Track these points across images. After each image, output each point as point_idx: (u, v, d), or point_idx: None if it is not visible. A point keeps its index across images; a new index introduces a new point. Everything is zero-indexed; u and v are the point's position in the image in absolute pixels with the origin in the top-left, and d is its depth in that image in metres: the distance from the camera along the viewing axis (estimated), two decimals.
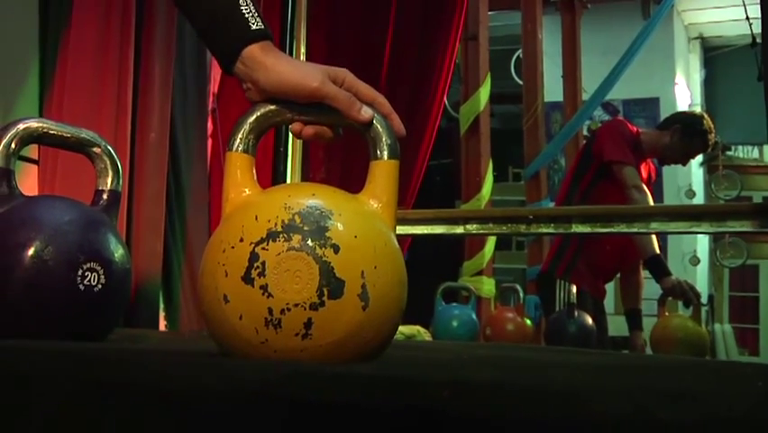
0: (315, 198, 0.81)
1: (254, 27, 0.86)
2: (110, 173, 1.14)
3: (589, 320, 2.85)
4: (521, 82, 5.72)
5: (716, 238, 6.95)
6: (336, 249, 0.78)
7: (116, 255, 1.06)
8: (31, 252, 1.00)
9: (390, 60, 3.11)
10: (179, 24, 2.88)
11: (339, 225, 0.79)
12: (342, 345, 0.78)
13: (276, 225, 0.78)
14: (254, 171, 0.87)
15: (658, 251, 2.94)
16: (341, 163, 2.92)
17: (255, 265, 0.77)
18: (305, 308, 0.76)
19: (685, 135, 3.11)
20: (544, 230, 1.94)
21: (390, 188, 0.86)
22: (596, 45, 6.17)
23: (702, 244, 7.26)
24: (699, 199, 6.83)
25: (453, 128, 5.25)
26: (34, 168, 2.46)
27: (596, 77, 5.15)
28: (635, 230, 1.85)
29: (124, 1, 2.62)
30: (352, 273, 0.77)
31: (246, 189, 0.85)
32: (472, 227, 1.97)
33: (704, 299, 5.16)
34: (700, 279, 7.10)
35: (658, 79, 7.29)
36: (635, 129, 3.19)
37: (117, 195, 1.14)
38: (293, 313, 0.76)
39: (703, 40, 8.06)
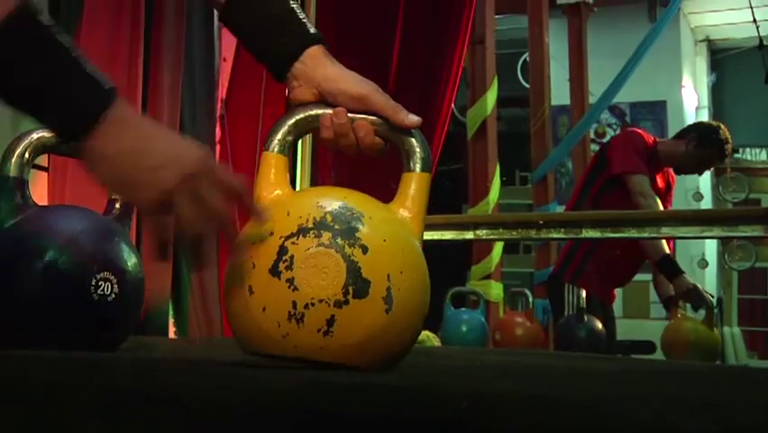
0: (347, 201, 0.82)
1: (312, 31, 0.89)
2: None
3: (599, 325, 2.84)
4: (528, 86, 5.71)
5: (724, 241, 6.92)
6: (365, 250, 0.78)
7: (129, 265, 1.07)
8: (44, 261, 1.00)
9: (398, 65, 3.12)
10: (188, 31, 2.89)
11: (369, 227, 0.80)
12: (363, 346, 0.78)
13: (307, 221, 0.79)
14: (287, 173, 0.88)
15: (668, 251, 2.94)
16: (349, 169, 2.92)
17: (284, 258, 0.77)
18: (329, 305, 0.77)
19: (701, 145, 3.10)
20: (555, 235, 1.94)
21: (421, 200, 0.87)
22: (602, 48, 6.15)
23: (710, 247, 7.23)
24: (706, 202, 6.80)
25: (460, 132, 5.24)
26: (44, 175, 2.47)
27: (603, 80, 5.14)
28: (645, 235, 1.85)
29: (133, 8, 2.63)
30: (379, 275, 0.78)
31: (278, 190, 0.86)
32: (482, 233, 1.97)
33: (713, 302, 5.14)
34: (709, 282, 7.08)
35: (665, 82, 7.26)
36: (651, 139, 3.18)
37: (130, 204, 1.14)
38: (317, 308, 0.77)
39: (710, 42, 8.04)
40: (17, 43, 0.69)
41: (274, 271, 0.77)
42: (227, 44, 3.37)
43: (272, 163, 0.86)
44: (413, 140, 0.87)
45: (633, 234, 1.82)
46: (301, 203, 0.82)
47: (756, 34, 4.79)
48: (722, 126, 3.18)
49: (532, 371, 1.06)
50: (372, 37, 3.20)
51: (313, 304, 0.76)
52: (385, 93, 0.88)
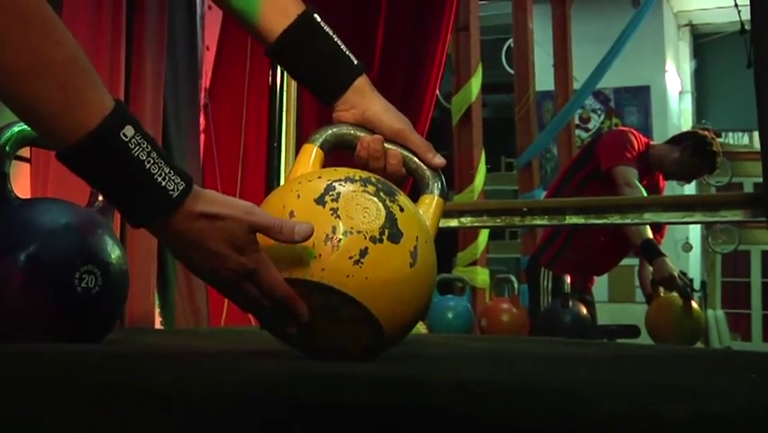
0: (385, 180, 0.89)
1: (356, 62, 1.01)
2: None
3: (584, 310, 2.86)
4: (512, 71, 5.71)
5: (708, 225, 6.97)
6: (402, 209, 0.85)
7: (113, 257, 1.06)
8: (27, 255, 1.00)
9: (383, 51, 3.10)
10: (170, 19, 2.87)
11: (403, 198, 0.87)
12: (384, 288, 0.82)
13: (354, 175, 0.86)
14: (321, 166, 0.93)
15: (650, 235, 2.96)
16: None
17: (330, 193, 0.83)
18: (365, 237, 0.81)
19: (695, 154, 3.13)
20: (539, 222, 1.95)
21: (434, 219, 0.94)
22: (586, 34, 6.16)
23: (695, 230, 7.28)
24: (690, 187, 6.83)
25: (445, 119, 5.24)
26: (26, 166, 2.45)
27: (587, 66, 5.15)
28: (628, 221, 1.86)
29: None
30: (410, 233, 0.83)
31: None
32: (467, 220, 1.97)
33: (697, 285, 5.18)
34: (693, 265, 7.13)
35: (648, 67, 7.29)
36: (644, 141, 3.20)
37: None
38: (354, 237, 0.81)
39: (692, 27, 8.06)
40: (94, 158, 0.76)
41: (320, 201, 0.83)
42: (210, 32, 3.35)
43: (313, 154, 0.93)
44: (437, 174, 0.96)
45: (616, 219, 1.83)
46: (346, 169, 0.88)
47: (738, 19, 4.82)
48: (716, 139, 3.22)
49: (517, 358, 1.06)
50: (356, 23, 3.18)
51: (351, 233, 0.81)
52: (417, 133, 0.99)
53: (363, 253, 0.80)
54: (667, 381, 0.75)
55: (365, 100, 0.99)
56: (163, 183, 0.78)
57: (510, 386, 0.68)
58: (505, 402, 0.61)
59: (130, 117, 0.77)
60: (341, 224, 0.81)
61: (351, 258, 0.80)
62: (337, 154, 0.98)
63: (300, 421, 0.64)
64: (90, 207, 1.13)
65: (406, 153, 0.96)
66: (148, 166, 0.77)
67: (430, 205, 0.94)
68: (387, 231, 0.82)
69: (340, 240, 0.81)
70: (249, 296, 0.83)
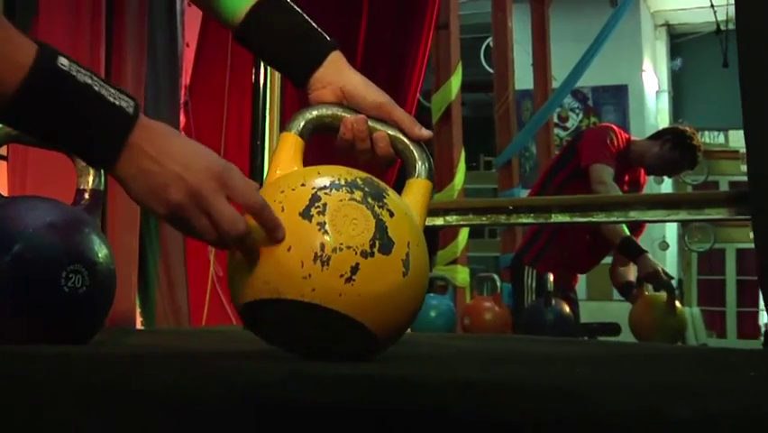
0: (371, 178, 0.84)
1: (329, 38, 0.97)
2: (91, 172, 1.12)
3: (566, 308, 2.87)
4: (491, 70, 5.72)
5: (684, 224, 7.04)
6: (391, 214, 0.81)
7: (100, 256, 1.05)
8: (13, 254, 0.98)
9: (365, 51, 3.09)
10: (150, 16, 2.84)
11: (392, 199, 0.83)
12: (378, 301, 0.79)
13: (339, 179, 0.81)
14: (302, 157, 0.89)
15: (627, 233, 2.98)
16: (317, 160, 2.88)
17: (316, 205, 0.79)
18: (356, 253, 0.77)
19: (676, 148, 3.15)
20: (524, 220, 1.95)
21: (423, 206, 0.90)
22: (565, 33, 6.19)
23: (671, 229, 7.34)
24: (666, 185, 6.89)
25: (425, 118, 5.24)
26: (2, 164, 2.41)
27: (565, 65, 5.17)
28: (613, 219, 1.86)
29: None
30: (401, 240, 0.80)
31: (295, 167, 0.87)
32: (452, 219, 1.97)
33: (674, 283, 5.22)
34: (669, 263, 7.18)
35: (626, 67, 7.33)
36: (625, 136, 3.22)
37: (99, 194, 1.12)
38: (344, 254, 0.77)
39: (669, 27, 8.12)
40: (41, 100, 0.72)
41: (305, 215, 0.78)
42: (190, 29, 3.32)
43: (292, 142, 0.89)
44: (417, 153, 0.92)
45: (602, 218, 1.83)
46: (329, 167, 0.84)
47: (714, 19, 4.84)
48: (696, 134, 3.24)
49: (510, 357, 1.06)
50: (337, 23, 3.17)
51: (341, 249, 0.77)
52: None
53: (354, 269, 0.77)
54: (667, 379, 0.75)
55: (342, 75, 0.95)
56: (117, 102, 0.75)
57: (512, 385, 0.67)
58: (509, 402, 0.61)
59: (59, 51, 0.75)
60: (329, 239, 0.77)
61: (342, 276, 0.77)
62: (323, 138, 0.94)
63: (299, 422, 0.63)
64: (76, 205, 1.11)
65: (392, 133, 0.92)
66: (97, 89, 0.74)
67: (418, 190, 0.91)
68: (377, 243, 0.78)
69: (329, 257, 0.77)
70: (209, 215, 0.77)
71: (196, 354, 0.96)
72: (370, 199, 0.80)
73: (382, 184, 0.85)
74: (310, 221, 0.78)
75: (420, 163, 0.92)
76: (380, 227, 0.79)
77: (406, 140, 0.92)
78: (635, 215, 1.83)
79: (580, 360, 0.98)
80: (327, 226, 0.78)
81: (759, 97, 1.53)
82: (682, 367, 0.94)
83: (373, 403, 0.63)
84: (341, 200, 0.79)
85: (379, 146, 0.92)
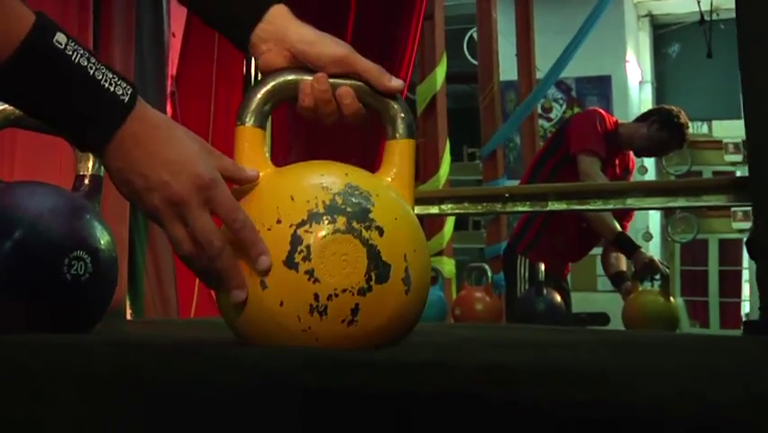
0: (350, 178, 0.77)
1: None
2: (91, 157, 1.09)
3: (558, 298, 2.87)
4: (474, 62, 5.71)
5: (667, 214, 7.07)
6: (381, 232, 0.74)
7: (103, 243, 1.02)
8: (14, 240, 0.95)
9: (353, 45, 3.07)
10: (138, 7, 2.81)
11: (379, 207, 0.76)
12: (385, 329, 0.76)
13: (317, 205, 0.74)
14: (265, 148, 0.82)
15: (619, 228, 2.99)
16: (306, 149, 2.87)
17: (299, 249, 0.73)
18: (353, 294, 0.73)
19: (663, 127, 3.16)
20: (520, 208, 1.94)
21: (409, 168, 0.84)
22: (549, 24, 6.18)
23: (654, 220, 7.38)
24: (650, 175, 6.92)
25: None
26: None
27: (550, 56, 5.16)
28: (611, 206, 1.85)
29: None
30: (397, 257, 0.75)
31: (258, 167, 0.80)
32: (447, 207, 1.96)
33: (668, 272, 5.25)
34: (653, 253, 7.20)
35: (609, 57, 7.35)
36: (613, 120, 3.22)
37: (99, 180, 1.09)
38: (341, 299, 0.73)
39: (652, 17, 8.14)
40: (31, 75, 0.68)
41: (290, 263, 0.73)
42: (176, 19, 3.28)
43: (248, 138, 0.80)
44: (396, 105, 0.84)
45: (599, 205, 1.83)
46: (302, 185, 0.77)
47: (698, 9, 4.86)
48: (682, 112, 3.24)
49: (517, 343, 1.04)
50: (325, 16, 3.15)
51: (336, 295, 0.73)
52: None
53: (355, 311, 0.73)
54: (696, 364, 0.74)
55: (288, 31, 0.83)
56: (111, 89, 0.70)
57: (538, 369, 0.66)
58: (541, 385, 0.59)
59: (59, 26, 0.70)
60: (322, 288, 0.72)
61: (343, 321, 0.73)
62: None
63: (322, 408, 0.61)
64: (76, 191, 1.09)
65: (358, 84, 0.82)
66: (92, 72, 0.69)
67: (402, 156, 0.83)
68: (373, 274, 0.73)
69: (326, 306, 0.72)
70: (205, 211, 0.73)
71: (205, 343, 0.93)
72: (354, 224, 0.74)
73: (363, 186, 0.77)
74: (297, 270, 0.73)
75: (398, 120, 0.84)
76: (372, 254, 0.74)
77: (376, 94, 0.83)
78: (632, 202, 1.83)
79: (595, 346, 0.97)
80: (317, 273, 0.72)
81: (759, 83, 1.53)
82: (700, 352, 0.92)
83: (403, 388, 0.61)
84: (324, 236, 0.73)
85: (345, 103, 0.82)
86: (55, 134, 1.06)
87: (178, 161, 0.72)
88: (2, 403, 0.69)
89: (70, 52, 0.69)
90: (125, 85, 0.71)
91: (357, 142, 2.51)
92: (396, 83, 0.83)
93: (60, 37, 0.69)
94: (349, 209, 0.74)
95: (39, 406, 0.68)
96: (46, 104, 0.70)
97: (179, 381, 0.65)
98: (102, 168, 1.10)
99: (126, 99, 0.71)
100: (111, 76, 0.71)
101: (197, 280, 2.95)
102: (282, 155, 2.85)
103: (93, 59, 0.70)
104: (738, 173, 6.34)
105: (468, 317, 3.13)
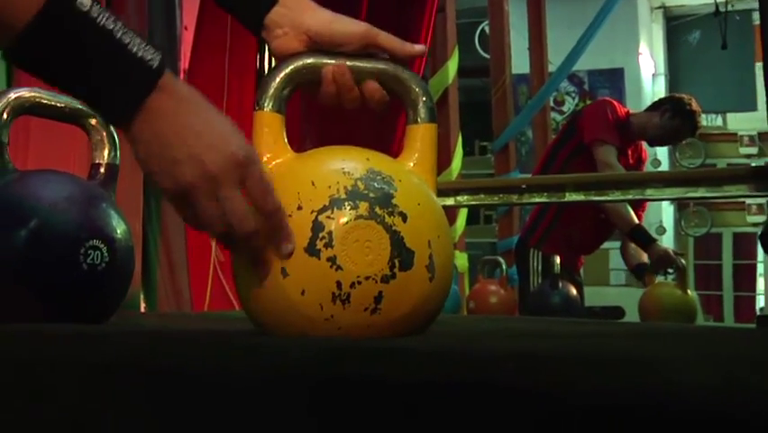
0: (371, 163, 0.75)
1: None
2: (107, 145, 1.07)
3: (573, 291, 2.85)
4: (486, 55, 5.68)
5: (680, 207, 7.03)
6: (404, 218, 0.73)
7: (119, 232, 1.00)
8: (30, 229, 0.93)
9: None
10: (150, 0, 2.80)
11: (402, 192, 0.74)
12: (408, 318, 0.74)
13: (338, 191, 0.72)
14: (284, 134, 0.80)
15: (637, 221, 2.97)
16: (319, 136, 2.86)
17: (321, 235, 0.71)
18: (376, 281, 0.71)
19: (675, 116, 3.13)
20: (537, 199, 1.92)
21: (431, 153, 0.82)
22: (561, 17, 6.15)
23: (668, 213, 7.34)
24: (664, 168, 6.88)
25: None
26: None
27: (562, 49, 5.14)
28: (630, 197, 1.83)
29: None
30: (421, 243, 0.73)
31: (278, 153, 0.78)
32: (463, 198, 1.93)
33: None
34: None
35: (622, 50, 7.31)
36: (624, 110, 3.20)
37: (115, 168, 1.08)
38: (363, 286, 0.71)
39: (666, 9, 8.09)
40: (54, 40, 0.64)
41: (311, 250, 0.71)
42: (189, 12, 3.26)
43: (267, 123, 0.79)
44: (418, 89, 0.82)
45: (617, 196, 1.80)
46: (323, 170, 0.75)
47: (712, 0, 4.81)
48: (693, 99, 3.21)
49: (543, 334, 1.02)
50: (337, 10, 3.13)
51: (359, 282, 0.71)
52: None
53: (378, 299, 0.71)
54: (730, 351, 0.72)
55: (305, 14, 0.81)
56: (140, 53, 0.66)
57: (572, 358, 0.64)
58: (578, 373, 0.57)
59: None
60: (345, 275, 0.71)
61: (366, 309, 0.71)
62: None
63: (353, 397, 0.59)
64: (91, 179, 1.07)
65: (381, 66, 0.81)
66: (119, 35, 0.65)
67: (424, 141, 0.82)
68: (397, 261, 0.71)
69: (349, 294, 0.71)
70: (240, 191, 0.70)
71: (226, 334, 0.92)
72: (377, 209, 0.72)
73: (385, 171, 0.75)
74: (319, 257, 0.71)
75: (420, 104, 0.82)
76: (396, 240, 0.72)
77: (400, 75, 0.81)
78: (651, 192, 1.80)
79: (624, 336, 0.95)
80: (339, 261, 0.71)
81: None
82: (732, 343, 0.90)
83: (430, 377, 0.59)
84: (346, 222, 0.71)
85: (368, 89, 0.81)
86: (69, 122, 1.05)
87: (214, 132, 0.69)
88: (19, 394, 0.68)
89: (95, 15, 0.65)
90: (153, 51, 0.67)
91: (371, 128, 2.49)
92: (418, 47, 0.83)
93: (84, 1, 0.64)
94: (371, 195, 0.72)
95: (48, 397, 0.67)
96: (71, 69, 0.66)
97: (198, 371, 0.63)
98: (117, 156, 1.09)
99: (155, 65, 0.67)
100: (139, 41, 0.67)
101: (211, 274, 2.95)
102: (295, 142, 2.82)
103: (119, 23, 0.66)
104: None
105: (482, 309, 3.12)
